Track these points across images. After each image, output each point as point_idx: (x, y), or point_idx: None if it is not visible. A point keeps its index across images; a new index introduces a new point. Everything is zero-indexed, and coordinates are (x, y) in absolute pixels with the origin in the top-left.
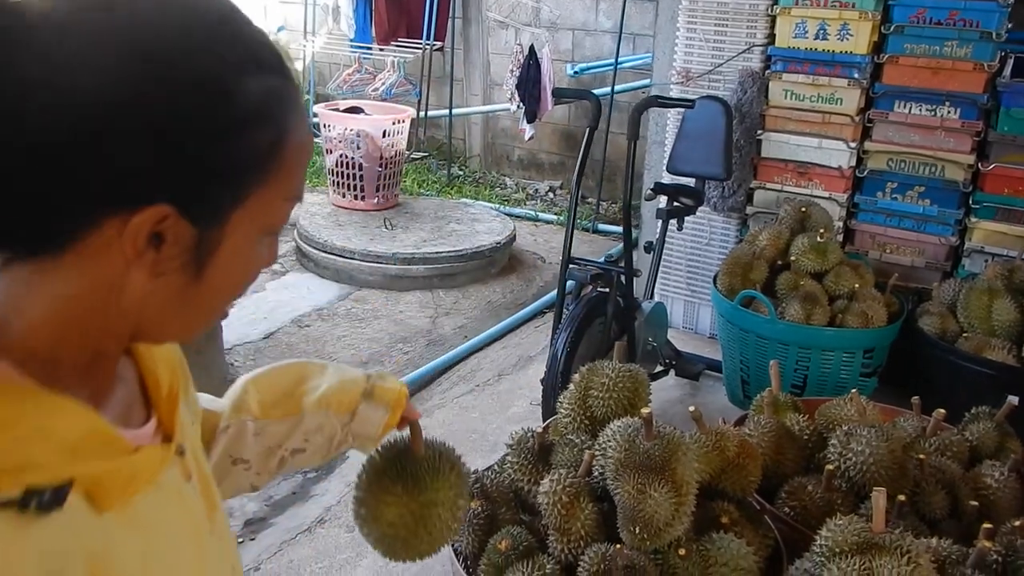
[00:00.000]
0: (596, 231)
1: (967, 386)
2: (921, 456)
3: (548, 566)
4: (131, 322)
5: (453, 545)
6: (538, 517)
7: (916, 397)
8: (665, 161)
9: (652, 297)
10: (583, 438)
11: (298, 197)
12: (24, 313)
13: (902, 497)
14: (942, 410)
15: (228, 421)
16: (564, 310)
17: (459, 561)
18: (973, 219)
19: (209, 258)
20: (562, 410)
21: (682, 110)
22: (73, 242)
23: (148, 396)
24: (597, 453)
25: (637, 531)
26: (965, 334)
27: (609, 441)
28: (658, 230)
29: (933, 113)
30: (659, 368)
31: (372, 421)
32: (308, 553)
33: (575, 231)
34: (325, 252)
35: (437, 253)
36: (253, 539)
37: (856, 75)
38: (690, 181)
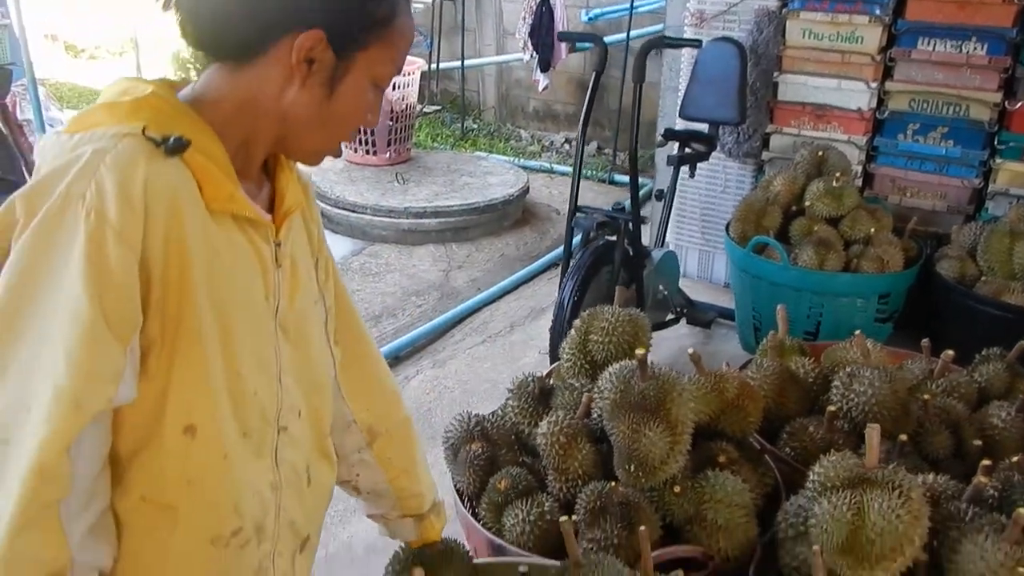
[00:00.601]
0: (612, 182)
1: (984, 331)
2: (926, 397)
3: (546, 504)
4: (279, 123)
5: (456, 485)
6: (538, 459)
7: (926, 340)
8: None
9: (663, 245)
10: (583, 381)
11: (398, 68)
12: (216, 95)
13: (904, 437)
14: (950, 351)
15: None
16: (571, 259)
17: (461, 501)
18: (998, 160)
19: (339, 84)
20: (563, 355)
21: (695, 53)
22: (261, 53)
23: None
24: (595, 396)
25: (632, 469)
26: (984, 278)
27: (606, 383)
28: (669, 178)
29: (958, 49)
30: (670, 316)
31: (405, 533)
32: None
33: (590, 182)
34: (338, 208)
35: (450, 207)
36: None
37: (878, 11)
38: (703, 127)
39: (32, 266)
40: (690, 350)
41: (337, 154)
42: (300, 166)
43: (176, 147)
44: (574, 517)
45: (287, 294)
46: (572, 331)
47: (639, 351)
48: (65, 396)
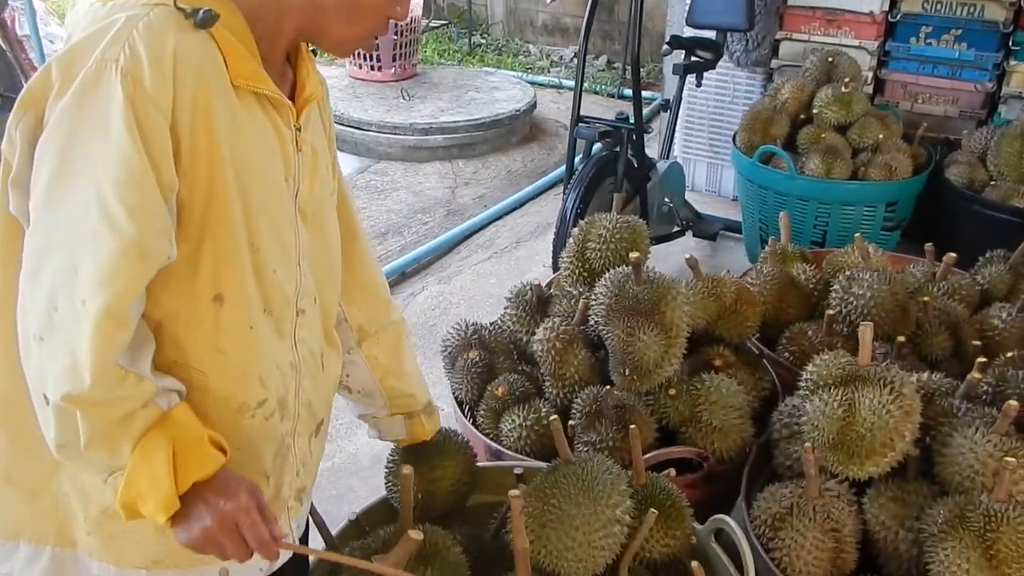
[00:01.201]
0: (621, 97)
1: (992, 237)
2: (926, 299)
3: (543, 409)
4: (305, 10)
5: (455, 394)
6: (536, 366)
7: (929, 244)
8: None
9: (669, 157)
10: (581, 289)
11: None
12: None
13: (902, 338)
14: (953, 254)
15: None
16: (574, 171)
17: (460, 409)
18: (1013, 62)
19: None
20: (562, 264)
21: None
22: None
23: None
24: (591, 302)
25: (627, 373)
26: (993, 182)
27: (601, 288)
28: (675, 87)
29: None
30: (675, 229)
31: (395, 431)
32: None
33: (599, 96)
34: (343, 125)
35: (456, 123)
36: None
37: None
38: (711, 34)
39: (75, 128)
40: (687, 255)
41: (369, 47)
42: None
43: (206, 19)
44: (570, 422)
45: (307, 179)
46: (570, 239)
47: (633, 255)
48: (132, 247)
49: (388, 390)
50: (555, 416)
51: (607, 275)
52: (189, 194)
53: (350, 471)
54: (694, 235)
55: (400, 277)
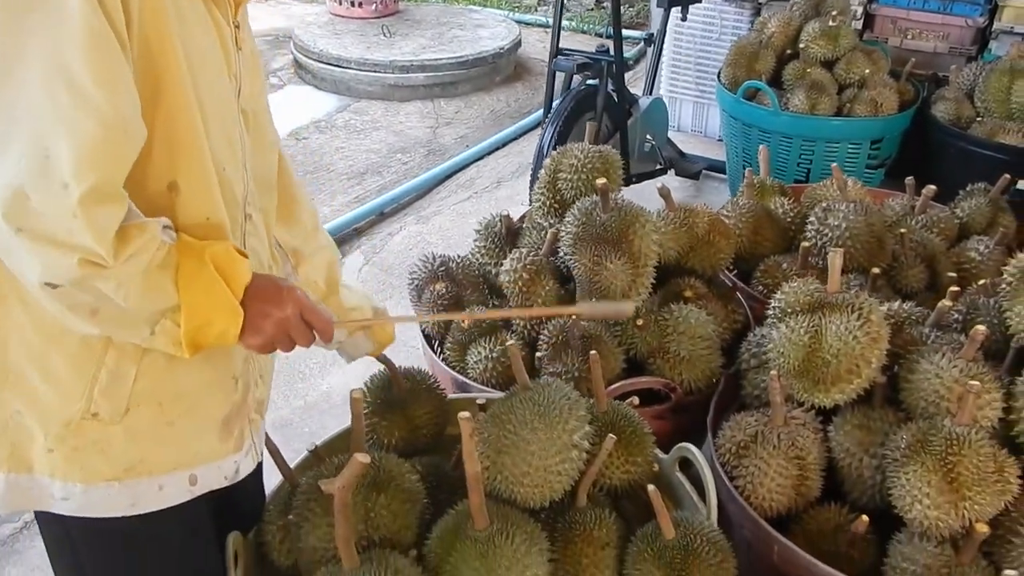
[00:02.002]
0: (609, 36)
1: (977, 174)
2: (903, 231)
3: (509, 341)
4: None
5: (422, 328)
6: (505, 300)
7: (910, 178)
8: None
9: (652, 94)
10: (551, 221)
11: None
12: None
13: (876, 270)
14: (932, 187)
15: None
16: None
17: (428, 343)
18: None
19: None
20: (534, 197)
21: None
22: None
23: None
24: (560, 232)
25: (594, 302)
26: (979, 119)
27: (570, 217)
28: (659, 21)
29: None
30: (657, 167)
31: (361, 348)
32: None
33: (587, 36)
34: (322, 63)
35: (437, 60)
36: None
37: None
38: None
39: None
40: (659, 184)
41: None
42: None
43: None
44: (537, 354)
45: (247, 79)
46: (542, 170)
47: (600, 180)
48: (113, 125)
49: (335, 309)
50: (512, 341)
51: (576, 204)
52: (142, 73)
53: (323, 409)
54: (676, 174)
55: (379, 217)
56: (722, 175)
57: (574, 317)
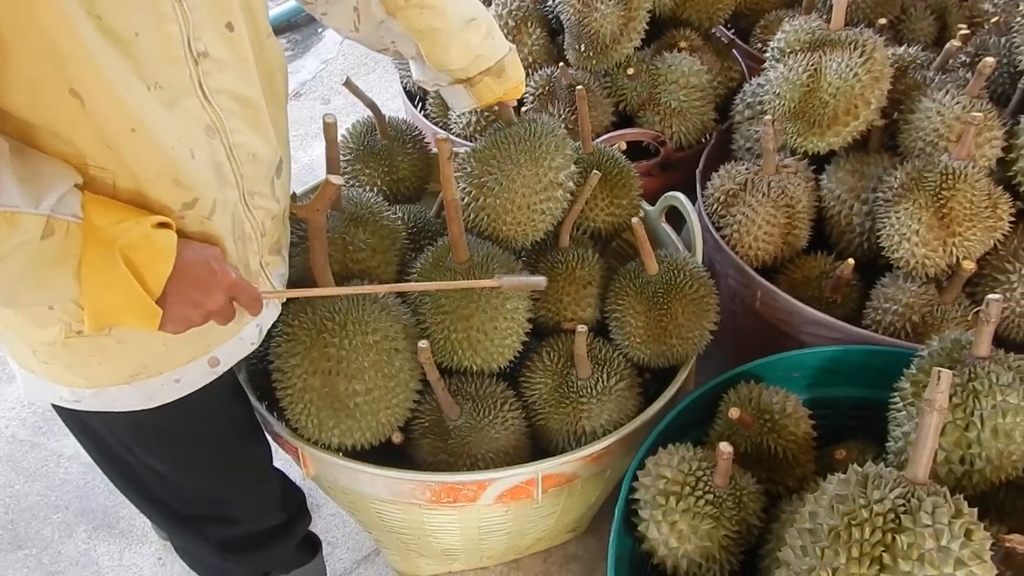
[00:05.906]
0: None
1: None
2: None
3: None
4: None
5: (403, 84)
6: None
7: None
8: None
9: None
10: None
11: None
12: None
13: (883, 20)
14: None
15: None
16: None
17: (410, 100)
18: None
19: None
20: None
21: None
22: None
23: None
24: None
25: (582, 49)
26: None
27: None
28: None
29: None
30: None
31: (460, 101)
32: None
33: None
34: None
35: None
36: None
37: None
38: None
39: None
40: None
41: None
42: None
43: None
44: (523, 108)
45: None
46: None
47: None
48: None
49: (436, 65)
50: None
51: None
52: None
53: (307, 182)
54: None
55: None
56: None
57: (562, 66)
